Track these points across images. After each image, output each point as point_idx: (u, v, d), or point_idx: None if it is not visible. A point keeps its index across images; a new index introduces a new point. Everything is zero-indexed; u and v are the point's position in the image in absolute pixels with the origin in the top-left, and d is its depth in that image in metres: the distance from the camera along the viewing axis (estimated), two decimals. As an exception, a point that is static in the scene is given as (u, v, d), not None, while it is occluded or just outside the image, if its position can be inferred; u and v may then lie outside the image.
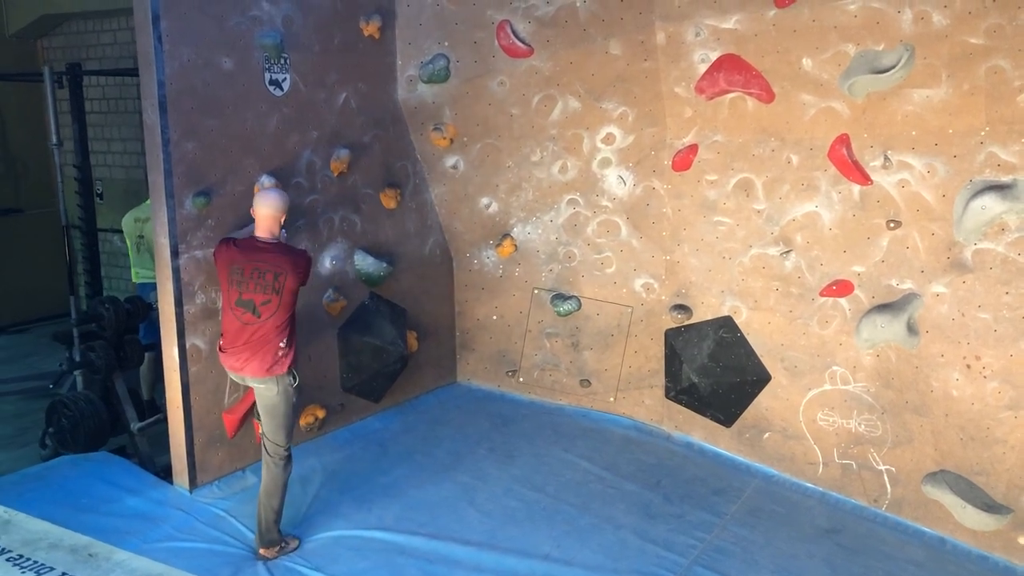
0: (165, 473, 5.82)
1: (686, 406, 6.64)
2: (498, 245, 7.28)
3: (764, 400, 6.25)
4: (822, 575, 5.13)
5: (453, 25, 6.79)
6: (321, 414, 6.41)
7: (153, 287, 5.95)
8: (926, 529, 5.59)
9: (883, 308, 5.63)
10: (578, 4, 6.45)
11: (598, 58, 6.52)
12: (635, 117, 6.56)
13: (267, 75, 5.85)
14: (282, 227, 5.21)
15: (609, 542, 5.35)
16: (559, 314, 7.13)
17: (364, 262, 6.68)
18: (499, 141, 7.01)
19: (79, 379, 6.81)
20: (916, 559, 5.35)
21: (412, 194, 7.19)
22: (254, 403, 5.21)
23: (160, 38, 5.19)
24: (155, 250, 5.51)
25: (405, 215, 7.13)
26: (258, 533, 5.10)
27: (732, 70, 5.98)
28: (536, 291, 7.26)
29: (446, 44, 6.84)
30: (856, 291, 5.77)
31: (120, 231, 7.78)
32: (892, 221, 5.57)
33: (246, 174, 5.74)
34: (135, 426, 6.18)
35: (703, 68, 6.10)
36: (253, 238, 5.03)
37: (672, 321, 6.62)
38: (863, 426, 5.84)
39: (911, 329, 5.51)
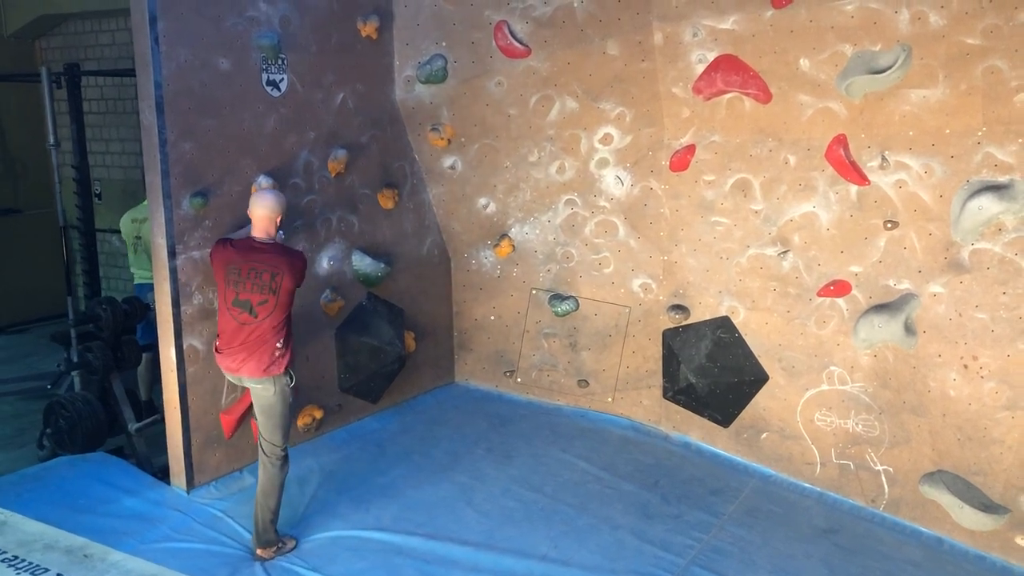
0: (162, 474, 5.82)
1: (684, 406, 6.64)
2: (496, 245, 7.28)
3: (762, 400, 6.25)
4: (819, 575, 5.13)
5: (451, 26, 6.79)
6: (319, 414, 6.41)
7: (151, 288, 5.94)
8: (924, 529, 5.59)
9: (881, 308, 5.63)
10: (575, 4, 6.45)
11: (596, 58, 6.52)
12: (633, 117, 6.56)
13: (264, 76, 5.85)
14: (280, 228, 5.22)
15: (607, 542, 5.35)
16: (557, 314, 7.13)
17: (362, 262, 6.68)
18: (497, 141, 7.01)
19: (77, 380, 6.81)
20: (914, 559, 5.35)
21: (410, 194, 7.19)
22: (251, 404, 5.21)
23: (157, 39, 5.20)
24: (152, 250, 5.51)
25: (403, 215, 7.13)
26: (255, 533, 5.10)
27: (729, 70, 5.98)
28: (534, 291, 7.26)
29: (444, 45, 6.84)
30: (854, 291, 5.77)
31: (118, 231, 7.79)
32: (889, 221, 5.57)
33: (243, 175, 5.74)
34: (132, 427, 6.18)
35: (700, 68, 6.10)
36: (250, 238, 5.04)
37: (670, 321, 6.62)
38: (861, 426, 5.84)
39: (908, 329, 5.51)
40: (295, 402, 5.90)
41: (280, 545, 5.12)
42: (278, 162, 5.98)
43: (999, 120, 5.09)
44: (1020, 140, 5.04)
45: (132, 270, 7.50)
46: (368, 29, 6.59)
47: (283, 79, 5.98)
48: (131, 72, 5.41)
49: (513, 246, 7.23)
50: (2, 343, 9.51)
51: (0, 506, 3.73)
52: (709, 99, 6.15)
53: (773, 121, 5.94)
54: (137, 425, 6.19)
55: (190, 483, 5.62)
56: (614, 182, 6.77)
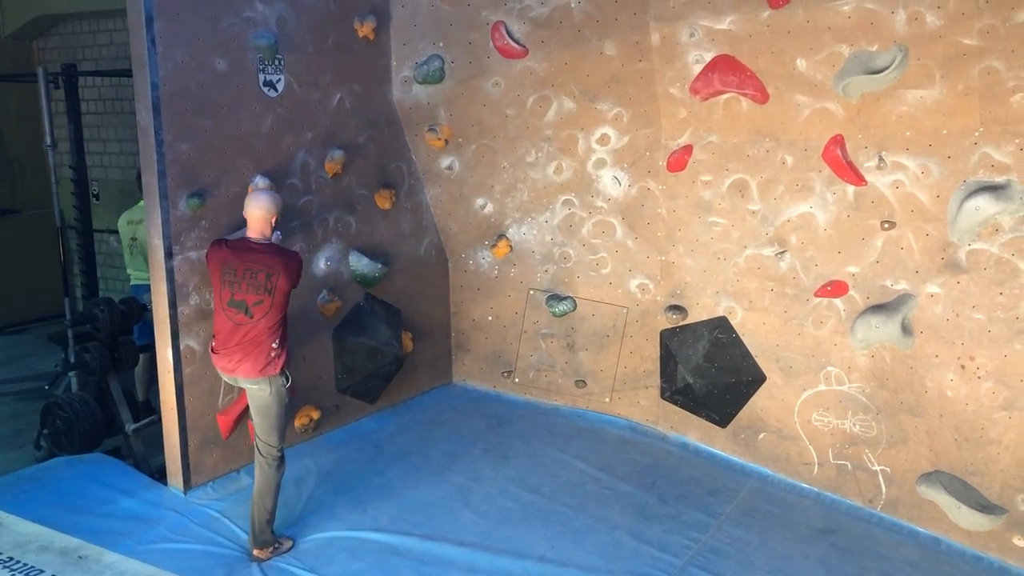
0: (159, 474, 5.82)
1: (681, 406, 6.64)
2: (493, 246, 7.28)
3: (759, 400, 6.25)
4: (817, 575, 5.13)
5: (448, 26, 6.79)
6: (316, 415, 6.40)
7: (146, 289, 5.94)
8: (921, 529, 5.59)
9: (878, 309, 5.63)
10: (572, 5, 6.45)
11: (593, 59, 6.52)
12: (630, 118, 6.56)
13: (261, 76, 5.85)
14: (276, 229, 5.22)
15: (604, 543, 5.35)
16: (554, 315, 7.13)
17: (359, 263, 6.68)
18: (494, 142, 7.01)
19: (74, 380, 6.81)
20: (911, 559, 5.35)
21: (407, 195, 7.19)
22: (248, 404, 5.21)
23: (154, 40, 5.19)
24: (149, 251, 5.50)
25: (400, 216, 7.13)
26: (252, 534, 5.10)
27: (726, 71, 5.98)
28: (531, 292, 7.26)
29: (441, 45, 6.84)
30: (851, 292, 5.77)
31: (116, 232, 7.79)
32: (886, 222, 5.57)
33: (240, 175, 5.74)
34: (130, 427, 6.18)
35: (698, 69, 6.10)
36: (245, 239, 5.04)
37: (667, 322, 6.62)
38: (858, 426, 5.84)
39: (906, 330, 5.51)
40: (292, 403, 5.90)
41: (277, 546, 5.12)
42: (275, 163, 5.98)
43: (996, 120, 5.09)
44: (1017, 140, 5.04)
45: (128, 271, 7.50)
46: (365, 29, 6.58)
47: (280, 80, 5.98)
48: (129, 72, 5.41)
49: (511, 246, 7.23)
50: (1, 343, 9.50)
51: (-5, 507, 3.74)
52: (706, 99, 6.15)
53: (770, 121, 5.94)
54: (134, 426, 6.19)
55: (187, 484, 5.62)
56: (611, 182, 6.76)
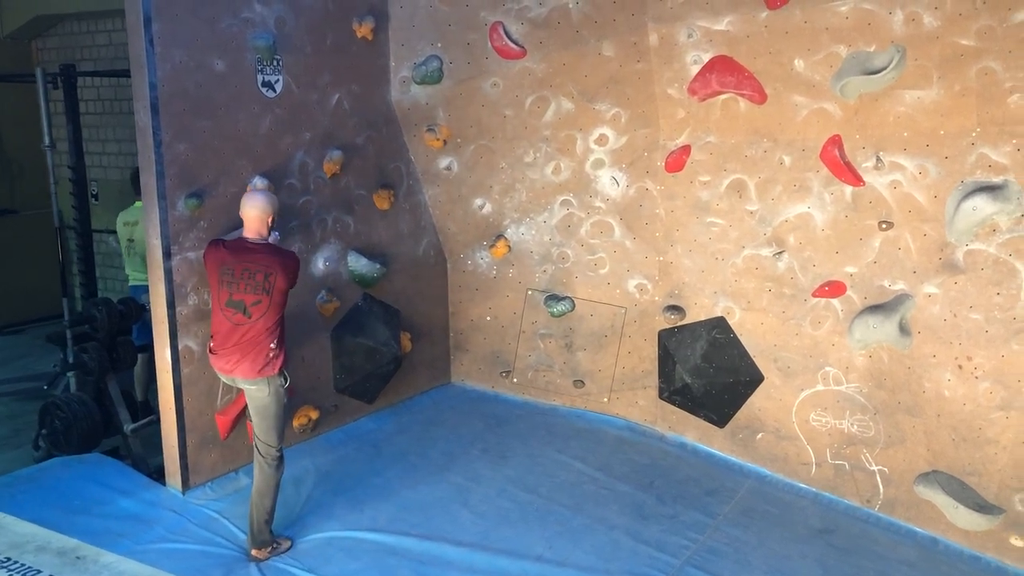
0: (158, 475, 5.81)
1: (679, 407, 6.65)
2: (492, 246, 7.28)
3: (757, 401, 6.25)
4: (814, 575, 5.14)
5: (446, 26, 6.80)
6: (314, 415, 6.41)
7: (145, 290, 5.94)
8: (918, 529, 5.59)
9: (875, 309, 5.63)
10: (571, 6, 6.45)
11: (591, 59, 6.52)
12: (628, 118, 6.57)
13: (259, 77, 5.85)
14: (275, 229, 5.22)
15: (602, 543, 5.36)
16: (553, 315, 7.14)
17: (357, 263, 6.68)
18: (492, 142, 7.02)
19: (72, 380, 6.81)
20: (908, 559, 5.36)
21: (406, 195, 7.19)
22: (247, 404, 5.21)
23: (152, 40, 5.20)
24: (147, 251, 5.50)
25: (399, 216, 7.14)
26: (250, 534, 5.10)
27: (724, 71, 5.98)
28: (530, 292, 7.26)
29: (439, 45, 6.85)
30: (848, 292, 5.78)
31: (115, 232, 7.79)
32: (884, 222, 5.58)
33: (239, 175, 5.74)
34: (128, 428, 6.18)
35: (696, 69, 6.11)
36: (242, 239, 5.04)
37: (665, 322, 6.63)
38: (856, 427, 5.84)
39: (903, 330, 5.51)
40: (291, 403, 5.90)
41: (275, 546, 5.12)
42: (273, 163, 5.99)
43: (993, 121, 5.09)
44: (1014, 141, 5.04)
45: (127, 272, 7.50)
46: (363, 30, 6.59)
47: (278, 80, 5.98)
48: (128, 73, 5.41)
49: (509, 247, 7.24)
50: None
51: (-7, 508, 3.74)
52: (704, 100, 6.15)
53: (768, 122, 5.94)
54: (133, 426, 6.19)
55: (185, 484, 5.62)
56: (610, 183, 6.77)
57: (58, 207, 7.36)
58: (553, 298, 7.13)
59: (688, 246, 6.46)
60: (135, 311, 6.47)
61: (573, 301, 7.08)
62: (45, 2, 9.64)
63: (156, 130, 5.27)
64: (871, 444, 5.78)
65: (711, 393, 6.41)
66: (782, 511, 5.83)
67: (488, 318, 7.50)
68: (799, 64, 5.69)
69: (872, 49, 5.41)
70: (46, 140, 7.08)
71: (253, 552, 5.07)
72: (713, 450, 6.52)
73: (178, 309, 5.45)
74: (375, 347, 6.77)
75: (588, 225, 6.92)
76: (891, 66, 5.28)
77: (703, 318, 6.45)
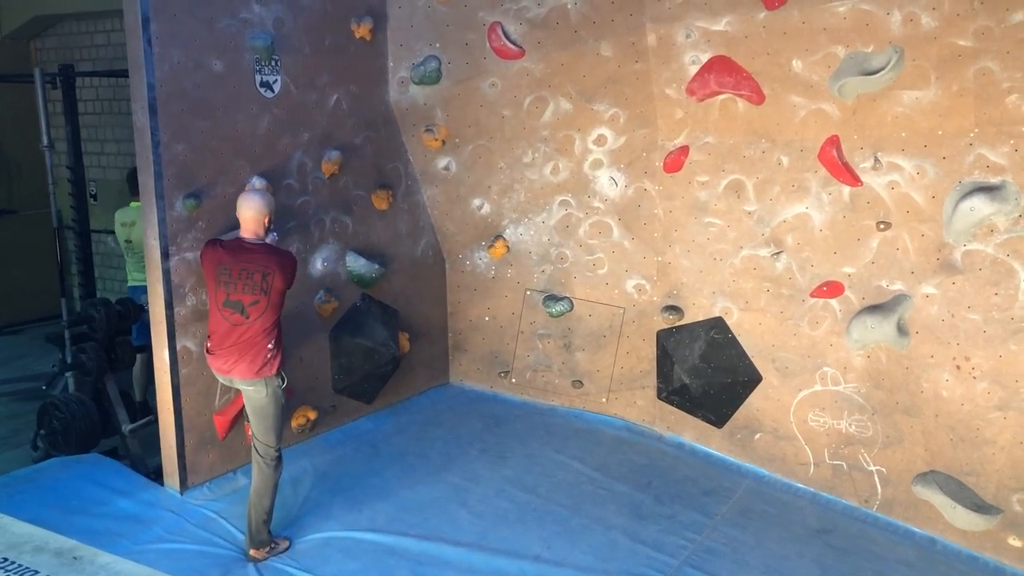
0: (156, 475, 5.81)
1: (678, 407, 6.65)
2: (490, 246, 7.28)
3: (755, 401, 6.25)
4: (812, 575, 5.14)
5: (444, 27, 6.80)
6: (313, 415, 6.41)
7: (143, 290, 5.94)
8: (916, 529, 5.60)
9: (873, 309, 5.64)
10: (569, 6, 6.45)
11: (589, 60, 6.53)
12: (626, 119, 6.57)
13: (258, 77, 5.85)
14: (273, 229, 5.22)
15: (600, 543, 5.36)
16: (551, 315, 7.14)
17: (356, 263, 6.68)
18: (491, 142, 7.02)
19: (71, 381, 6.81)
20: (906, 559, 5.36)
21: (404, 195, 7.19)
22: (245, 405, 5.21)
23: (150, 41, 5.20)
24: (145, 252, 5.50)
25: (397, 216, 7.14)
26: (248, 534, 5.10)
27: (723, 72, 5.99)
28: (528, 292, 7.27)
29: (437, 46, 6.85)
30: (846, 292, 5.78)
31: (113, 232, 7.79)
32: (882, 222, 5.58)
33: (237, 176, 5.74)
34: (126, 428, 6.18)
35: (694, 70, 6.11)
36: (239, 239, 5.03)
37: (664, 322, 6.63)
38: (854, 427, 5.85)
39: (901, 330, 5.52)
40: (289, 403, 5.91)
41: (273, 546, 5.12)
42: (272, 163, 5.98)
43: (991, 121, 5.10)
44: (1011, 141, 5.05)
45: (128, 271, 7.50)
46: (362, 30, 6.59)
47: (276, 80, 5.98)
48: (126, 73, 5.41)
49: (507, 247, 7.24)
50: (-2, 344, 9.52)
51: (-9, 508, 3.74)
52: (702, 100, 6.16)
53: (766, 122, 5.95)
54: (131, 426, 6.19)
55: (183, 484, 5.62)
56: (608, 183, 6.77)
57: (57, 207, 7.36)
58: (551, 298, 7.13)
59: (686, 246, 6.47)
60: (133, 311, 6.47)
61: (571, 301, 7.09)
62: (44, 2, 9.63)
63: (154, 130, 5.27)
64: (869, 444, 5.78)
65: (709, 393, 6.41)
66: (780, 511, 5.84)
67: (487, 318, 7.50)
68: (797, 64, 5.69)
69: (870, 50, 5.41)
70: (44, 140, 7.07)
71: (251, 552, 5.07)
72: (711, 450, 6.52)
73: (176, 309, 5.45)
74: (373, 347, 6.77)
75: (586, 225, 6.93)
76: (889, 66, 5.28)
77: (701, 318, 6.46)
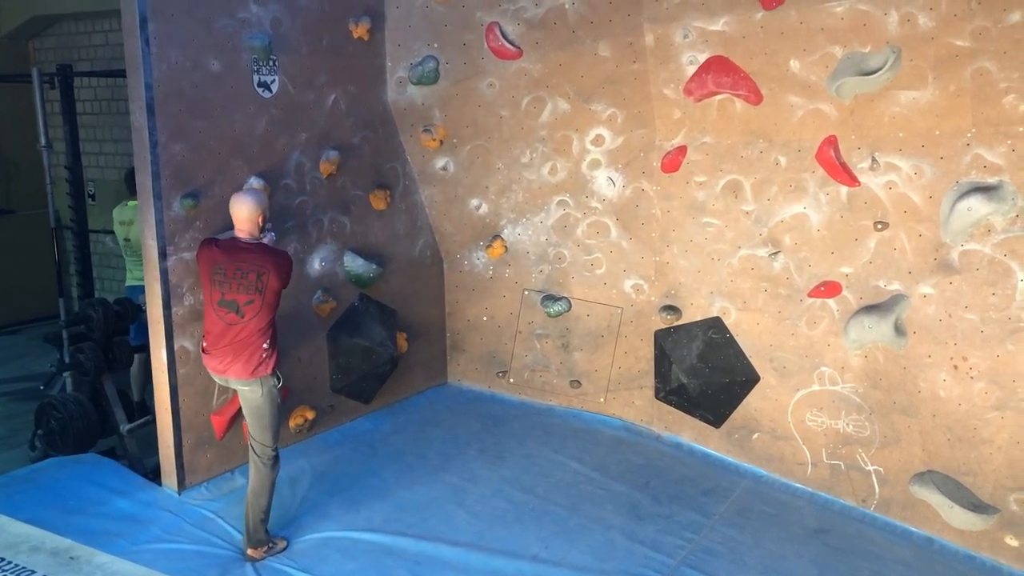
0: (154, 475, 5.81)
1: (676, 407, 6.65)
2: (488, 246, 7.28)
3: (753, 401, 6.26)
4: (810, 575, 5.14)
5: (442, 27, 6.80)
6: (311, 415, 6.41)
7: (141, 290, 5.94)
8: (914, 529, 5.60)
9: (871, 309, 5.64)
10: (567, 6, 6.46)
11: (587, 60, 6.53)
12: (624, 119, 6.57)
13: (256, 77, 5.85)
14: (270, 229, 5.22)
15: (597, 543, 5.36)
16: (549, 315, 7.14)
17: (354, 263, 6.68)
18: (489, 143, 7.02)
19: (68, 381, 6.80)
20: (904, 559, 5.37)
21: (402, 195, 7.20)
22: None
23: (148, 41, 5.20)
24: (143, 252, 5.50)
25: (395, 216, 7.14)
26: (246, 533, 5.10)
27: (720, 72, 5.99)
28: (526, 292, 7.27)
29: (435, 46, 6.85)
30: (844, 292, 5.79)
31: (112, 232, 7.79)
32: (879, 222, 5.59)
33: (234, 176, 5.74)
34: (124, 428, 6.17)
35: (692, 70, 6.12)
36: (234, 239, 5.02)
37: (661, 322, 6.63)
38: (851, 427, 5.85)
39: (899, 330, 5.52)
40: (287, 403, 5.91)
41: (271, 545, 5.12)
42: (269, 163, 5.99)
43: (988, 121, 5.10)
44: (1009, 141, 5.05)
45: (127, 270, 7.49)
46: (360, 30, 6.59)
47: (274, 80, 5.98)
48: (124, 73, 5.41)
49: (505, 247, 7.24)
50: (-4, 344, 9.52)
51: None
52: (700, 100, 6.16)
53: (764, 122, 5.95)
54: (129, 426, 6.18)
55: (181, 484, 5.62)
56: (606, 183, 6.78)
57: (55, 207, 7.35)
58: (549, 298, 7.14)
59: (684, 246, 6.47)
60: (131, 311, 6.47)
61: (569, 301, 7.09)
62: (42, 2, 9.63)
63: (152, 130, 5.27)
64: (867, 444, 5.79)
65: (707, 393, 6.42)
66: (778, 511, 5.84)
67: (485, 318, 7.50)
68: (795, 65, 5.69)
69: (867, 50, 5.41)
70: (42, 140, 7.07)
71: (249, 552, 5.07)
72: (709, 450, 6.53)
73: (174, 309, 5.45)
74: (371, 347, 6.77)
75: (584, 225, 6.93)
76: (886, 67, 5.29)
77: (699, 318, 6.46)
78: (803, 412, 6.04)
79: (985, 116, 5.10)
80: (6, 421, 7.27)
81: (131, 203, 7.09)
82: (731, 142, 6.12)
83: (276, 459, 5.11)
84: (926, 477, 5.53)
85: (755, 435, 6.29)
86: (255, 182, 5.80)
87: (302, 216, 6.28)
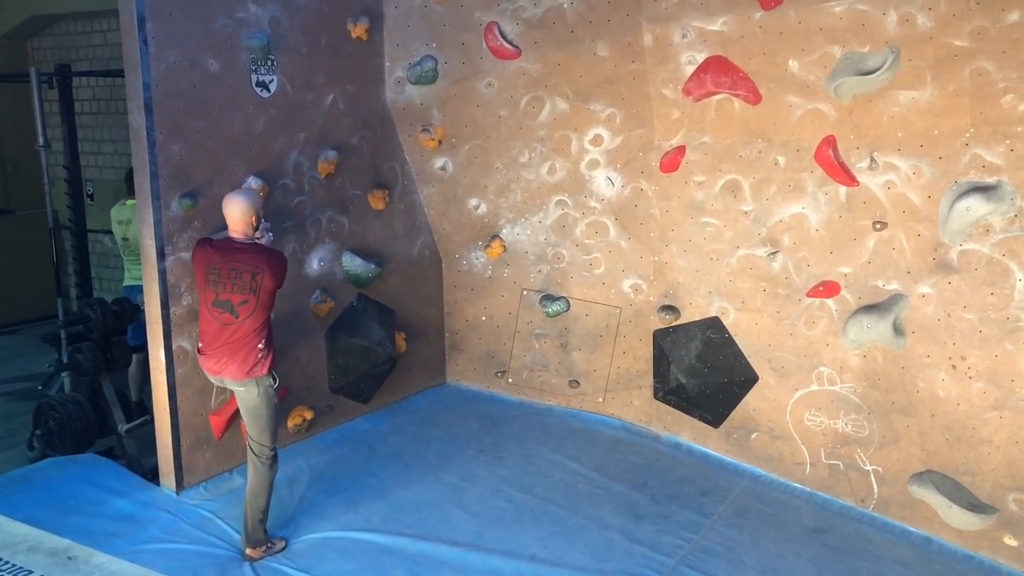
0: (152, 475, 5.81)
1: (674, 407, 6.65)
2: (487, 246, 7.28)
3: (752, 400, 6.26)
4: (808, 575, 5.14)
5: (441, 27, 6.80)
6: (309, 415, 6.40)
7: (139, 290, 5.94)
8: (912, 529, 5.60)
9: (869, 309, 5.64)
10: (566, 6, 6.46)
11: (586, 60, 6.53)
12: (623, 119, 6.57)
13: (254, 77, 5.85)
14: (269, 229, 5.21)
15: (596, 543, 5.36)
16: (548, 315, 7.14)
17: (352, 263, 6.68)
18: (487, 142, 7.02)
19: (67, 381, 6.80)
20: (902, 559, 5.37)
21: (400, 195, 7.19)
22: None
23: (146, 40, 5.19)
24: (141, 251, 5.50)
25: (393, 216, 7.13)
26: (244, 533, 5.10)
27: (719, 72, 5.99)
28: (525, 292, 7.26)
29: (434, 46, 6.85)
30: (843, 292, 5.79)
31: (110, 231, 7.78)
32: (878, 222, 5.59)
33: (233, 176, 5.74)
34: (122, 428, 6.17)
35: (690, 70, 6.11)
36: (228, 239, 5.00)
37: (660, 322, 6.63)
38: (850, 426, 5.85)
39: (897, 330, 5.52)
40: (285, 403, 5.91)
41: (269, 545, 5.12)
42: (268, 163, 5.98)
43: (987, 121, 5.10)
44: (1007, 141, 5.05)
45: (125, 269, 7.49)
46: (358, 30, 6.59)
47: (273, 80, 5.98)
48: (122, 73, 5.40)
49: (504, 247, 7.24)
50: (-6, 344, 9.51)
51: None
52: (699, 100, 6.16)
53: (762, 122, 5.95)
54: (127, 426, 6.18)
55: (179, 484, 5.62)
56: (605, 183, 6.77)
57: (53, 207, 7.35)
58: (548, 298, 7.13)
59: (683, 246, 6.47)
60: (130, 311, 6.46)
61: (568, 301, 7.09)
62: (40, 2, 9.62)
63: (150, 130, 5.26)
64: (865, 444, 5.79)
65: (706, 393, 6.42)
66: (776, 511, 5.84)
67: (483, 318, 7.50)
68: (793, 65, 5.69)
69: (866, 50, 5.41)
70: (41, 140, 7.06)
71: (248, 551, 5.07)
72: (708, 450, 6.53)
73: (172, 309, 5.45)
74: (370, 347, 6.76)
75: (583, 225, 6.93)
76: (885, 67, 5.29)
77: (698, 318, 6.46)
78: (802, 412, 6.04)
79: (984, 116, 5.10)
80: (4, 421, 7.27)
81: (129, 202, 7.08)
82: (730, 142, 6.11)
83: (275, 459, 5.11)
84: (925, 477, 5.53)
85: (754, 435, 6.29)
86: (253, 182, 5.80)
87: (300, 216, 6.28)
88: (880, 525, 5.69)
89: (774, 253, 6.04)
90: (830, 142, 5.68)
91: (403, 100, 7.01)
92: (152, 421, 5.74)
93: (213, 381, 5.17)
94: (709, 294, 6.38)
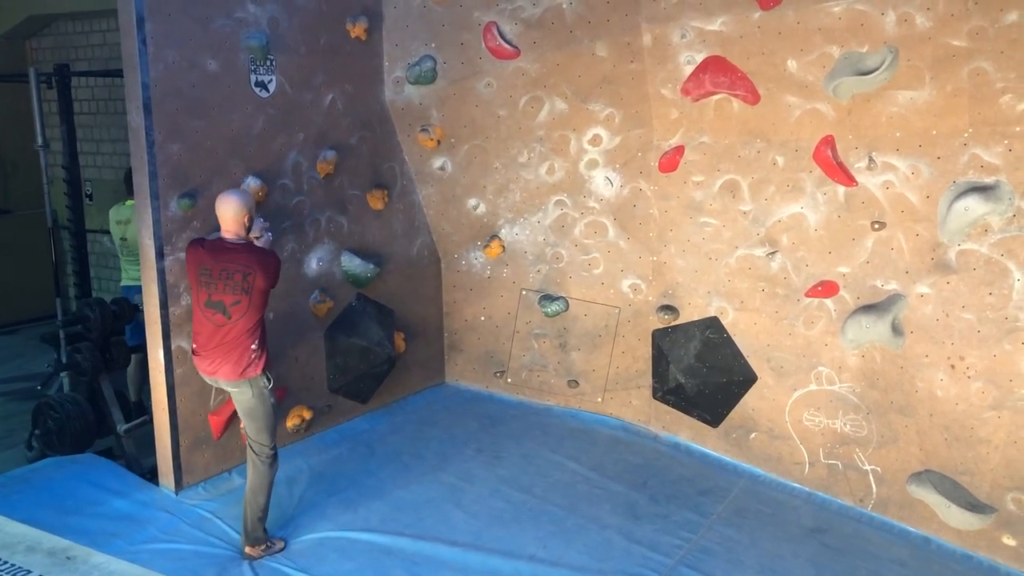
0: (151, 475, 5.81)
1: (673, 406, 6.66)
2: (486, 246, 7.28)
3: (750, 400, 6.26)
4: (807, 575, 5.15)
5: (440, 27, 6.80)
6: (308, 415, 6.40)
7: (137, 290, 5.94)
8: (911, 529, 5.60)
9: (868, 309, 5.65)
10: (564, 6, 6.46)
11: (585, 60, 6.53)
12: (622, 119, 6.57)
13: (253, 77, 5.85)
14: (268, 230, 5.21)
15: (595, 543, 5.36)
16: (547, 315, 7.14)
17: (351, 263, 6.68)
18: (486, 142, 7.02)
19: (66, 381, 6.80)
20: (901, 559, 5.37)
21: (399, 195, 7.19)
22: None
23: (145, 40, 5.19)
24: (140, 251, 5.50)
25: (392, 216, 7.14)
26: (244, 532, 5.10)
27: (718, 72, 5.99)
28: (524, 292, 7.27)
29: (433, 46, 6.85)
30: (841, 292, 5.79)
31: (109, 231, 7.77)
32: (877, 222, 5.59)
33: (232, 176, 5.74)
34: (121, 428, 6.18)
35: (689, 70, 6.12)
36: (220, 239, 4.99)
37: (659, 322, 6.63)
38: (849, 426, 5.85)
39: (896, 330, 5.53)
40: (284, 403, 5.91)
41: (269, 544, 5.12)
42: (267, 163, 5.98)
43: (985, 121, 5.10)
44: (1006, 141, 5.06)
45: (122, 269, 7.48)
46: (357, 30, 6.59)
47: (272, 80, 5.98)
48: (121, 73, 5.40)
49: (503, 247, 7.24)
50: (-7, 344, 9.50)
51: (-15, 508, 3.73)
52: (698, 100, 6.16)
53: (761, 122, 5.95)
54: (126, 426, 6.19)
55: (178, 484, 5.62)
56: (603, 183, 6.78)
57: (52, 207, 7.34)
58: (547, 298, 7.14)
59: (682, 246, 6.47)
60: (128, 311, 6.46)
61: (567, 301, 7.09)
62: (39, 2, 9.61)
63: (149, 130, 5.27)
64: (864, 444, 5.79)
65: (704, 393, 6.42)
66: (775, 511, 5.84)
67: (482, 318, 7.50)
68: (792, 65, 5.70)
69: (865, 50, 5.42)
70: (40, 140, 7.05)
71: (247, 550, 5.07)
72: (707, 450, 6.53)
73: (171, 309, 5.45)
74: (369, 347, 6.77)
75: (582, 225, 6.93)
76: (884, 67, 5.29)
77: (696, 318, 6.46)
78: (800, 412, 6.04)
79: (982, 116, 5.10)
80: (3, 421, 7.26)
81: (128, 202, 7.08)
82: (728, 142, 6.12)
83: (274, 458, 5.11)
84: (923, 477, 5.53)
85: (752, 435, 6.29)
86: (252, 182, 5.80)
87: (299, 216, 6.28)
88: (879, 525, 5.69)
89: (773, 253, 6.05)
90: (829, 142, 5.68)
91: (402, 100, 7.01)
92: (151, 421, 5.74)
93: (208, 382, 5.17)
94: (708, 294, 6.38)
